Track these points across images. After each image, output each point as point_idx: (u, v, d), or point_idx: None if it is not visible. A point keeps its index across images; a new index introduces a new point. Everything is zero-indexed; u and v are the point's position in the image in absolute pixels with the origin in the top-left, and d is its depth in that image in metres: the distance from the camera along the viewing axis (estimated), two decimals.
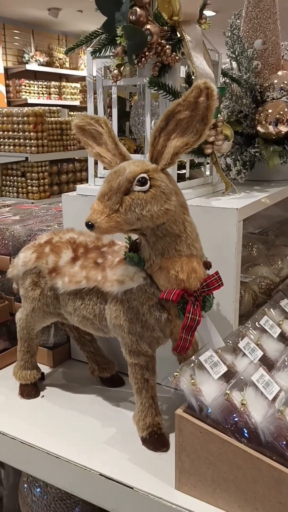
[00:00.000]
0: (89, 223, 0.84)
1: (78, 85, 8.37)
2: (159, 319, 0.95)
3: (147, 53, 1.00)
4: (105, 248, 1.05)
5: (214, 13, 7.16)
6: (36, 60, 8.17)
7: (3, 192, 4.88)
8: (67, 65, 8.56)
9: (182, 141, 0.85)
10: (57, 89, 8.27)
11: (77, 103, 8.23)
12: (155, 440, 1.00)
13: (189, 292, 0.92)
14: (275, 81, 1.39)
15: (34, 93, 7.97)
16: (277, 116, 1.32)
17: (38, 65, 8.17)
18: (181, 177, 1.24)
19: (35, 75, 8.36)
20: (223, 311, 1.13)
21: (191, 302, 0.92)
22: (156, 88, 1.04)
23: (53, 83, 8.15)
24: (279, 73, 1.42)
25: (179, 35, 1.04)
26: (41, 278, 1.09)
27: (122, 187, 0.84)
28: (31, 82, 7.89)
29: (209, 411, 0.84)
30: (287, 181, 1.47)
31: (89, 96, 1.21)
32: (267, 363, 1.01)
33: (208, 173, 1.33)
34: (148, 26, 0.98)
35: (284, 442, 0.79)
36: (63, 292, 1.05)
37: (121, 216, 0.84)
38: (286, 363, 0.98)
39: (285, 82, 1.39)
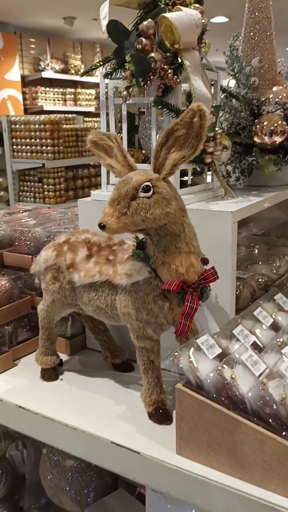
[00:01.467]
0: (101, 224, 0.99)
1: (93, 91, 8.56)
2: (162, 307, 1.10)
3: (151, 77, 1.15)
4: (116, 247, 1.20)
5: (226, 19, 7.31)
6: (52, 68, 8.34)
7: (21, 197, 5.07)
8: (82, 70, 8.72)
9: (180, 155, 0.99)
10: (72, 96, 8.42)
11: (92, 109, 8.41)
12: (160, 414, 1.15)
13: (188, 284, 1.06)
14: (271, 96, 1.53)
15: (50, 100, 8.13)
16: (272, 128, 1.46)
17: (54, 72, 8.34)
18: (184, 184, 1.39)
19: (51, 83, 8.55)
20: (221, 302, 1.27)
21: (190, 293, 1.06)
22: (160, 107, 1.19)
23: (68, 89, 8.31)
24: (274, 88, 1.56)
25: (180, 60, 1.18)
26: (60, 273, 1.25)
27: (129, 194, 0.99)
28: (47, 89, 8.05)
29: (204, 385, 0.98)
30: (283, 186, 1.60)
31: (102, 113, 1.36)
32: (259, 347, 1.15)
33: (209, 179, 1.47)
34: (153, 54, 1.13)
35: (267, 410, 0.93)
36: (79, 285, 1.20)
37: (128, 218, 0.99)
38: (274, 347, 1.12)
39: (280, 96, 1.52)
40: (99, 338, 1.41)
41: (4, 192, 5.06)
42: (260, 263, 1.66)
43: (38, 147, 4.81)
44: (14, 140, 4.97)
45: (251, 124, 1.50)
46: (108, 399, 1.26)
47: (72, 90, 8.45)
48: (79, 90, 8.55)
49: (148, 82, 1.16)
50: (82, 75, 1.44)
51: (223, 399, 0.97)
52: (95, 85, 8.45)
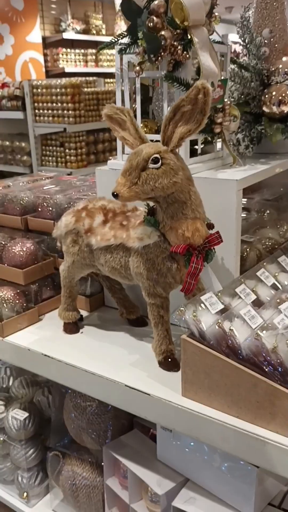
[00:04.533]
0: (114, 193, 1.10)
1: (114, 51, 8.45)
2: (170, 268, 1.22)
3: (162, 53, 1.23)
4: (129, 213, 1.32)
5: None
6: (73, 28, 8.23)
7: (43, 162, 5.16)
8: (104, 32, 8.57)
9: (186, 128, 1.09)
10: (93, 57, 8.33)
11: (113, 70, 8.27)
12: (168, 363, 1.29)
13: (193, 246, 1.18)
14: (280, 66, 1.59)
15: (71, 61, 8.06)
16: (280, 97, 1.52)
17: (75, 33, 8.22)
18: (194, 153, 1.48)
19: (72, 44, 8.46)
20: (226, 264, 1.38)
21: (195, 255, 1.18)
22: (170, 81, 1.27)
23: (90, 50, 8.19)
24: (284, 58, 1.62)
25: (189, 37, 1.26)
26: (79, 237, 1.37)
27: (140, 165, 1.10)
28: (68, 50, 7.98)
29: (205, 335, 1.11)
30: None
31: (117, 86, 1.45)
32: (259, 304, 1.26)
33: (219, 148, 1.55)
34: (163, 32, 1.21)
35: (260, 357, 1.05)
36: (96, 248, 1.33)
37: (139, 188, 1.10)
38: (272, 303, 1.23)
39: None
40: (116, 296, 1.54)
41: (27, 156, 5.16)
42: (268, 227, 1.75)
43: (60, 111, 4.86)
44: (36, 104, 5.03)
45: (261, 94, 1.57)
46: (123, 349, 1.41)
47: (94, 51, 8.34)
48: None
49: (159, 58, 1.24)
50: (99, 51, 1.52)
51: (222, 348, 1.10)
52: None
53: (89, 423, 1.57)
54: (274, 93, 1.53)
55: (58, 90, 4.83)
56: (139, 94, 1.41)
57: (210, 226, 1.24)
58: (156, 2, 1.21)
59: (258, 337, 1.06)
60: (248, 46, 1.59)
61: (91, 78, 5.63)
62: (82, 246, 1.37)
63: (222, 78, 1.33)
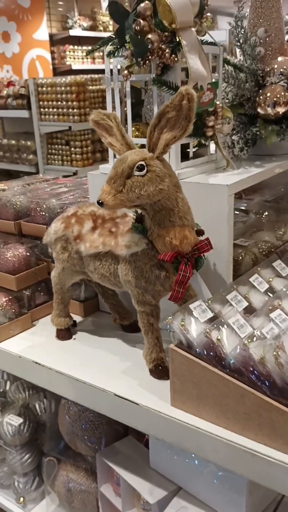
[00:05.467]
0: (99, 201, 1.09)
1: None
2: (159, 276, 1.20)
3: (150, 57, 1.21)
4: (119, 219, 1.30)
5: None
6: (79, 25, 8.20)
7: (49, 161, 5.16)
8: (111, 28, 8.51)
9: (171, 135, 1.07)
10: (101, 53, 8.29)
11: None
12: (159, 371, 1.27)
13: (182, 254, 1.15)
14: (275, 66, 1.55)
15: (78, 58, 8.04)
16: (274, 99, 1.49)
17: (82, 29, 8.19)
18: (188, 156, 1.45)
19: (79, 40, 8.43)
20: (219, 270, 1.36)
21: (184, 262, 1.16)
22: (159, 85, 1.25)
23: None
24: (280, 58, 1.58)
25: (178, 39, 1.23)
26: (68, 243, 1.36)
27: (125, 172, 1.08)
28: (75, 47, 7.95)
29: (193, 345, 1.09)
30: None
31: (108, 89, 1.43)
32: (252, 311, 1.23)
33: (214, 150, 1.52)
34: (150, 36, 1.19)
35: (250, 368, 1.03)
36: (86, 255, 1.31)
37: (124, 196, 1.08)
38: (263, 311, 1.21)
39: (284, 67, 1.55)
40: (109, 301, 1.53)
41: (32, 155, 5.16)
42: (265, 230, 1.73)
43: (65, 110, 4.86)
44: (41, 103, 5.03)
45: (255, 95, 1.54)
46: (115, 356, 1.39)
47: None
48: (108, 46, 8.36)
49: (147, 61, 1.21)
50: (87, 54, 1.51)
51: (210, 358, 1.08)
52: None
53: (83, 430, 1.56)
54: (268, 94, 1.50)
55: (63, 88, 4.82)
56: (129, 98, 1.39)
57: (200, 232, 1.22)
58: (142, 5, 1.18)
59: (245, 348, 1.04)
60: (242, 46, 1.56)
61: (96, 76, 5.60)
62: (72, 253, 1.36)
63: (213, 80, 1.30)
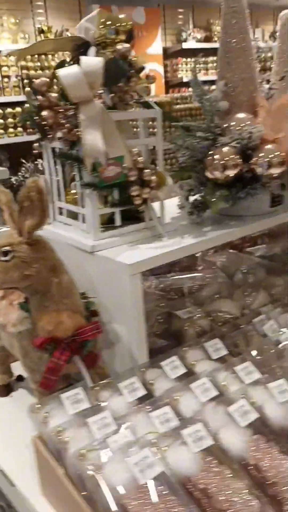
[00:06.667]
0: None
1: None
2: (41, 357, 1.17)
3: (48, 134, 1.18)
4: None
5: None
6: (193, 38, 8.18)
7: None
8: None
9: (32, 222, 1.04)
10: (214, 64, 8.16)
11: None
12: None
13: (58, 339, 1.11)
14: (232, 123, 1.40)
15: (189, 71, 8.00)
16: (222, 162, 1.35)
17: (196, 41, 8.15)
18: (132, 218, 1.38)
19: (193, 52, 8.41)
20: (134, 348, 1.27)
21: (62, 348, 1.12)
22: (64, 159, 1.22)
23: (210, 58, 8.02)
24: (240, 115, 1.42)
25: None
26: None
27: None
28: (188, 60, 7.94)
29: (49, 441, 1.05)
30: (256, 217, 1.49)
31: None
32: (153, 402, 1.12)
33: (158, 215, 1.42)
34: (43, 113, 1.16)
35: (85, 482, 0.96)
36: None
37: None
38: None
39: (242, 124, 1.38)
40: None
41: None
42: (231, 297, 1.58)
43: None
44: None
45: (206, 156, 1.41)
46: None
47: (215, 58, 8.15)
48: None
49: (47, 136, 1.19)
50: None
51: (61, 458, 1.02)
52: None
53: None
54: (216, 156, 1.36)
55: None
56: (57, 165, 1.35)
57: (94, 313, 1.17)
58: (37, 81, 1.16)
59: (81, 458, 0.97)
60: (201, 101, 1.44)
61: (187, 94, 5.56)
62: None
63: (117, 155, 1.21)
